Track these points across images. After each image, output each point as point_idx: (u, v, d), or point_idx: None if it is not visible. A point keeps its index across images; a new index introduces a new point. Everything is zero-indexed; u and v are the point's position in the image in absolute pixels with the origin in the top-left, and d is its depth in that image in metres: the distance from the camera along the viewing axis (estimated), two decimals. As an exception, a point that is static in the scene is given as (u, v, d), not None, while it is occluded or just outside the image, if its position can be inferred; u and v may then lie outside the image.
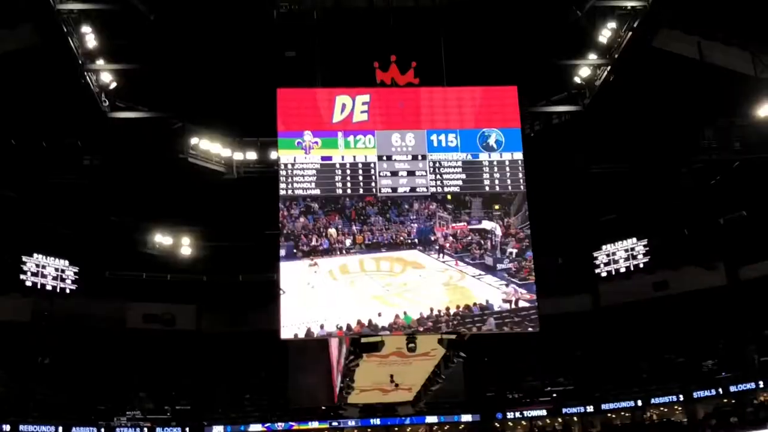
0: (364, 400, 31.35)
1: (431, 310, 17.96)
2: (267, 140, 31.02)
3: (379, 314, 17.87)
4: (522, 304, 17.99)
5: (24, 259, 40.64)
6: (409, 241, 18.44)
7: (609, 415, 45.40)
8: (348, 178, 18.85)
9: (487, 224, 18.59)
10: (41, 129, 31.71)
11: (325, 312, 17.79)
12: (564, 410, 45.96)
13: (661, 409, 44.43)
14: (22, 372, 43.57)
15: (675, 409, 44.18)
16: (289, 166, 18.85)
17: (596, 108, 28.97)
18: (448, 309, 17.94)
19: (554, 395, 46.52)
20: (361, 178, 18.88)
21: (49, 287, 41.33)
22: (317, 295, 17.85)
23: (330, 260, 18.11)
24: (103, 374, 43.97)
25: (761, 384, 40.00)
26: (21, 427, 42.11)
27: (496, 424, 46.97)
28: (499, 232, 18.57)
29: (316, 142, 18.98)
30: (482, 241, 18.54)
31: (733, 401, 41.71)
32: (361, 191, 18.80)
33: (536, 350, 43.22)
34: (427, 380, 25.30)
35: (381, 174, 18.87)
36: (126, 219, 39.35)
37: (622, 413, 45.29)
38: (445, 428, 47.04)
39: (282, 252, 18.08)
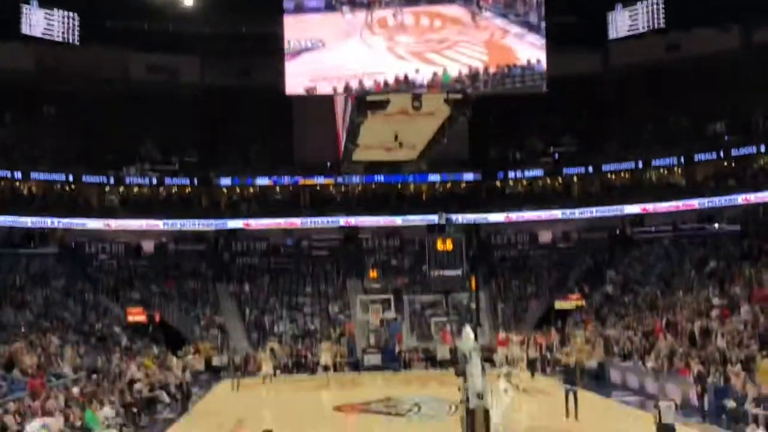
0: (369, 158, 31.62)
1: (470, 68, 17.39)
2: None
3: (417, 71, 17.31)
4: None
5: (23, 8, 38.96)
6: (450, -6, 17.43)
7: (609, 176, 46.48)
8: None
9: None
10: None
11: (358, 66, 17.17)
12: (565, 171, 46.98)
13: (661, 171, 45.45)
14: (29, 122, 43.43)
15: (675, 171, 45.19)
16: None
17: None
18: (487, 68, 17.37)
19: (556, 156, 47.28)
20: None
21: (49, 36, 40.07)
22: (347, 50, 17.13)
23: (367, 13, 17.19)
24: (110, 126, 43.89)
25: (763, 148, 40.56)
26: (33, 175, 42.85)
27: (497, 183, 48.19)
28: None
29: None
30: (526, -1, 17.55)
31: (734, 165, 42.57)
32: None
33: (542, 111, 43.12)
34: (431, 139, 25.35)
35: None
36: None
37: (622, 174, 46.32)
38: (447, 186, 48.15)
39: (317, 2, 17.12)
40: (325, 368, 31.88)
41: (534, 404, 23.76)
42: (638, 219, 45.55)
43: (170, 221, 44.96)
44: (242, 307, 42.11)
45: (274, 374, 30.83)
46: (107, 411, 19.10)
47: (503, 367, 26.77)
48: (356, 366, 34.74)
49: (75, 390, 21.32)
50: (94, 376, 25.70)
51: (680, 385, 21.81)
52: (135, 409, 21.70)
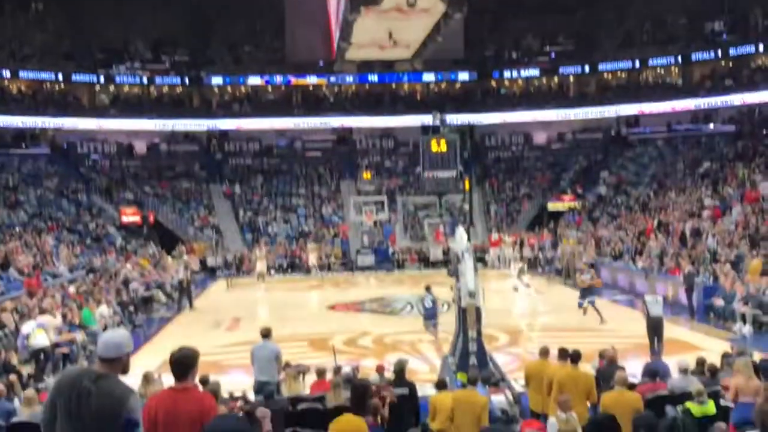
0: (362, 57, 31.00)
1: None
2: None
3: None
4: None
5: None
6: None
7: (605, 75, 45.82)
8: None
9: None
10: None
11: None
12: (561, 70, 46.26)
13: (658, 70, 44.77)
14: (17, 19, 42.22)
15: (671, 71, 44.52)
16: None
17: None
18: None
19: (552, 56, 46.45)
20: None
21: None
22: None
23: None
24: (100, 23, 42.74)
25: (761, 47, 39.82)
26: (21, 74, 42.01)
27: (492, 83, 47.50)
28: None
29: None
30: None
31: (731, 65, 41.93)
32: None
33: (538, 10, 42.11)
34: (426, 38, 24.81)
35: None
36: None
37: (618, 74, 45.67)
38: (442, 86, 47.50)
39: None
40: (310, 269, 32.42)
41: (534, 302, 24.13)
42: (633, 119, 45.18)
43: (162, 121, 44.46)
44: (236, 207, 42.13)
45: (269, 273, 31.25)
46: (104, 309, 19.28)
47: (512, 265, 27.06)
48: (350, 266, 35.06)
49: (71, 289, 21.48)
50: (90, 275, 25.89)
51: (670, 284, 22.08)
52: (131, 308, 21.94)
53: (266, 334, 11.09)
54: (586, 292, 20.10)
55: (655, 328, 14.77)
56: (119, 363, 4.79)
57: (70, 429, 4.74)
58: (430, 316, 17.86)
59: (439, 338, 17.15)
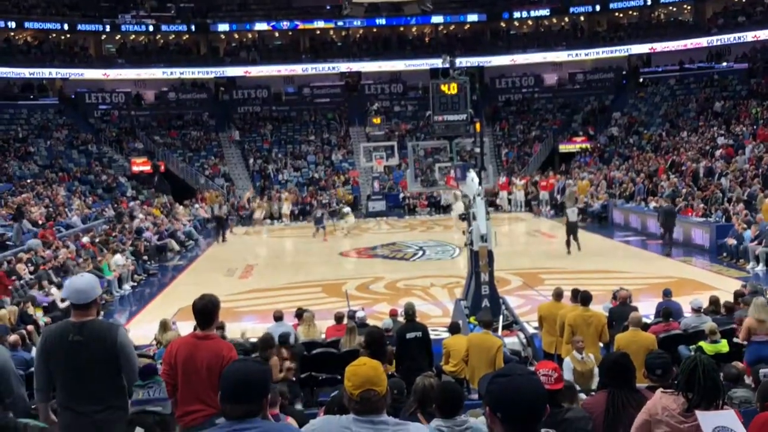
0: (369, -1, 30.49)
1: None
2: None
3: None
4: None
5: None
6: None
7: (616, 14, 45.05)
8: None
9: None
10: None
11: None
12: (571, 9, 45.44)
13: (670, 8, 43.99)
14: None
15: (684, 8, 43.69)
16: None
17: None
18: None
19: (563, -6, 45.62)
20: None
21: None
22: None
23: None
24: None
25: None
26: (26, 24, 41.66)
27: (502, 23, 46.74)
28: None
29: None
30: None
31: (744, 0, 41.04)
32: None
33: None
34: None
35: None
36: None
37: (630, 12, 44.86)
38: (451, 28, 46.80)
39: None
40: (284, 217, 32.75)
41: (542, 245, 24.15)
42: (645, 59, 44.52)
43: (169, 69, 44.13)
44: (246, 155, 42.06)
45: (271, 222, 31.78)
46: (118, 258, 19.42)
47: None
48: (361, 212, 35.05)
49: (85, 239, 21.62)
50: (104, 226, 26.03)
51: (683, 225, 22.00)
52: (145, 257, 22.10)
53: (279, 316, 11.00)
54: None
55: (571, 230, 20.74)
56: (94, 305, 4.89)
57: (73, 383, 4.81)
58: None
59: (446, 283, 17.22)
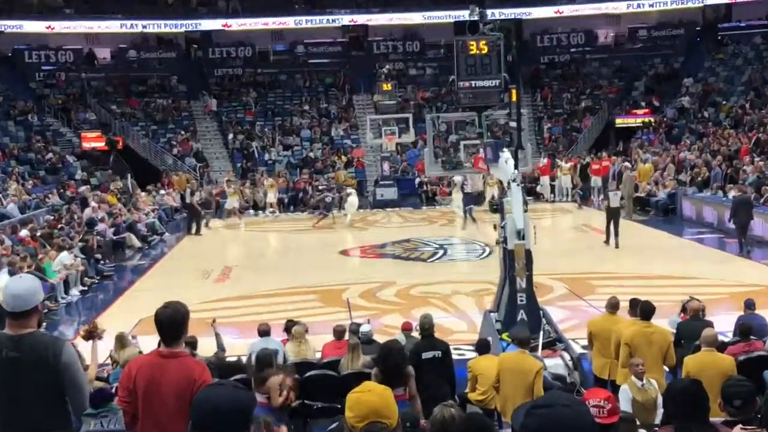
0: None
1: None
2: None
3: None
4: None
5: None
6: None
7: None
8: None
9: None
10: None
11: None
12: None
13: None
14: None
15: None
16: None
17: None
18: None
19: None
20: None
21: None
22: None
23: None
24: None
25: None
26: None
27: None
28: None
29: None
30: None
31: None
32: None
33: None
34: None
35: None
36: None
37: (707, -47, 44.71)
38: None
39: None
40: (268, 207, 32.74)
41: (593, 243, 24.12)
42: (725, 11, 44.28)
43: (129, 22, 44.18)
44: (224, 129, 42.08)
45: (256, 213, 31.93)
46: (65, 257, 19.45)
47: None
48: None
49: (24, 233, 21.68)
50: (48, 216, 26.10)
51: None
52: (98, 255, 22.15)
53: (265, 331, 11.04)
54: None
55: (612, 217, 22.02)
56: (34, 314, 4.87)
57: (7, 408, 4.81)
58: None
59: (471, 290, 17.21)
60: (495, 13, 41.64)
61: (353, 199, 29.26)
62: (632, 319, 9.87)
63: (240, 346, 12.03)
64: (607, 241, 22.48)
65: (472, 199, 28.69)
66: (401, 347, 7.84)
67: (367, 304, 16.90)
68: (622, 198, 23.65)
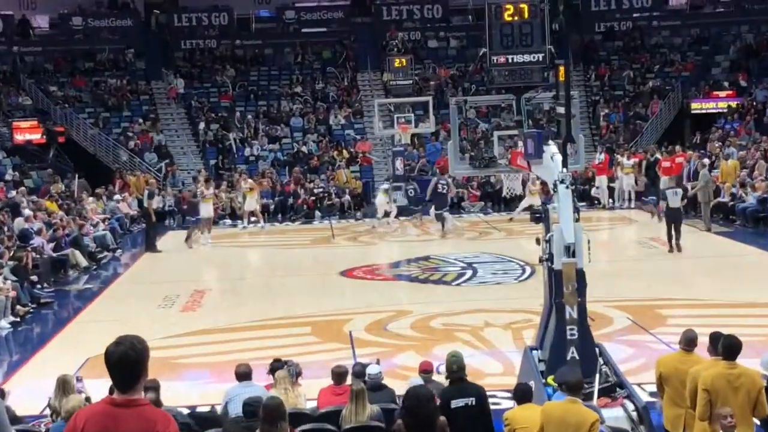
0: None
1: None
2: None
3: None
4: None
5: None
6: None
7: None
8: None
9: None
10: None
11: None
12: None
13: None
14: None
15: None
16: None
17: None
18: None
19: None
20: None
21: None
22: None
23: None
24: None
25: None
26: None
27: None
28: None
29: None
30: None
31: None
32: None
33: None
34: None
35: None
36: None
37: None
38: None
39: None
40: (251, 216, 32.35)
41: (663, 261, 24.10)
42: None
43: (73, -19, 44.42)
44: (193, 117, 42.17)
45: (233, 223, 31.81)
46: (-9, 279, 19.52)
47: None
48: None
49: (-61, 249, 21.74)
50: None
51: None
52: (34, 277, 22.19)
53: (244, 374, 11.04)
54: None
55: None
56: None
57: None
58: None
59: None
60: (537, -31, 41.80)
61: (383, 200, 30.29)
62: (713, 359, 9.85)
63: (213, 393, 12.03)
64: (670, 249, 23.79)
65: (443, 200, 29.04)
66: (431, 395, 7.68)
67: (375, 339, 16.91)
68: (683, 198, 24.75)
